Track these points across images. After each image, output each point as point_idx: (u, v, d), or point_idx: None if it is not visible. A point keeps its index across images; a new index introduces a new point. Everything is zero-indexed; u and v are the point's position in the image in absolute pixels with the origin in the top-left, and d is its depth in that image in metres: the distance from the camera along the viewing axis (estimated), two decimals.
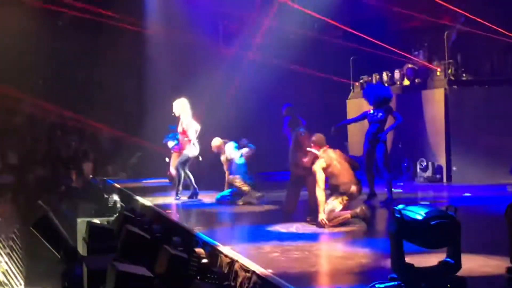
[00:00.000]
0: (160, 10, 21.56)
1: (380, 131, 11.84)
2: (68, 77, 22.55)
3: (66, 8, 22.05)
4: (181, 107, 13.01)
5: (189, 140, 12.91)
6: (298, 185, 10.52)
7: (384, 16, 18.36)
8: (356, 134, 18.77)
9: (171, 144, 14.71)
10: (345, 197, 9.34)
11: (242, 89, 19.43)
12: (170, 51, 20.86)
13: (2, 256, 13.24)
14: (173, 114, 13.14)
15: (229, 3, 20.64)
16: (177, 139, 13.94)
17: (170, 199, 13.04)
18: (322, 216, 9.14)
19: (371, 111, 12.14)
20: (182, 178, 12.89)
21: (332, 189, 9.55)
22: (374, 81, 18.34)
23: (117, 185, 16.12)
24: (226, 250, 7.54)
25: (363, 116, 12.45)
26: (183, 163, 12.89)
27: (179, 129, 13.15)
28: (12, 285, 12.49)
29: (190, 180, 13.02)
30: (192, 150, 12.95)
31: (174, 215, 11.20)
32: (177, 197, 12.78)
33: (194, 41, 20.65)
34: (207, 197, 12.98)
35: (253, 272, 6.54)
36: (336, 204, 9.29)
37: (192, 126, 13.00)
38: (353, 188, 9.39)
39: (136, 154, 20.24)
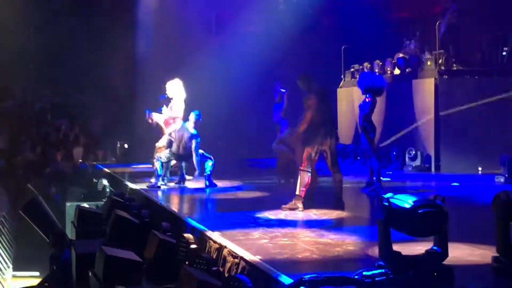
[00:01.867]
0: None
1: (364, 120, 11.89)
2: (59, 61, 22.44)
3: None
4: (176, 88, 12.95)
5: (174, 120, 12.89)
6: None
7: (376, 5, 18.34)
8: (345, 122, 18.84)
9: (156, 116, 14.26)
10: None
11: (233, 77, 19.42)
12: (162, 38, 20.82)
13: None
14: (166, 96, 13.07)
15: None
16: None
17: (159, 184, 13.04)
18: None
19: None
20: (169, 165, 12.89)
21: None
22: (365, 70, 18.34)
23: (107, 170, 16.11)
24: (215, 236, 7.56)
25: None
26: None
27: (168, 109, 13.08)
28: (0, 269, 12.47)
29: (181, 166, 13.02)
30: (172, 129, 12.93)
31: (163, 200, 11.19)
32: (164, 183, 12.74)
33: (186, 27, 20.60)
34: (196, 183, 12.97)
35: (241, 258, 6.56)
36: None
37: (182, 108, 12.98)
38: None
39: (123, 142, 20.18)
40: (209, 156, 12.58)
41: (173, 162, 12.92)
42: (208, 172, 12.50)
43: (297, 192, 9.62)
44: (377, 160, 11.86)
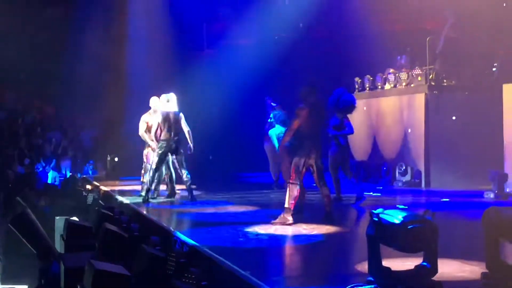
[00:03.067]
0: (143, 9, 21.53)
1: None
2: (50, 73, 22.41)
3: (50, 5, 22.06)
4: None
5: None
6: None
7: (366, 20, 18.41)
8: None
9: None
10: None
11: (224, 90, 19.44)
12: (153, 51, 20.84)
13: None
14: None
15: (214, 4, 20.65)
16: None
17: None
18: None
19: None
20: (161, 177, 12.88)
21: None
22: (356, 86, 18.42)
23: (96, 183, 16.07)
24: (204, 250, 7.55)
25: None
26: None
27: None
28: None
29: (171, 176, 13.01)
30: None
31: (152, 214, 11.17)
32: (153, 196, 12.72)
33: (177, 41, 20.63)
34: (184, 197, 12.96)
35: (231, 272, 6.55)
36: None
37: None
38: None
39: (113, 155, 20.13)
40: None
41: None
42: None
43: (286, 205, 9.62)
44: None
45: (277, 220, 9.61)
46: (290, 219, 9.55)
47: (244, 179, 18.38)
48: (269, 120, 14.38)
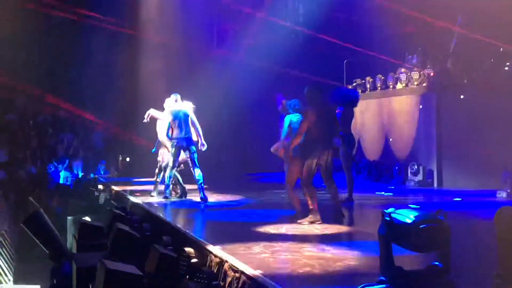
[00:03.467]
0: (154, 12, 21.58)
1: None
2: (61, 76, 22.53)
3: (60, 10, 22.12)
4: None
5: None
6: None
7: (379, 19, 18.38)
8: None
9: None
10: None
11: (235, 90, 19.46)
12: (164, 53, 20.89)
13: None
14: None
15: (224, 4, 20.66)
16: None
17: (160, 198, 13.07)
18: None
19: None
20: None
21: None
22: (368, 85, 18.40)
23: (108, 183, 16.11)
24: (216, 250, 7.54)
25: None
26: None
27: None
28: (0, 281, 12.45)
29: (178, 179, 13.03)
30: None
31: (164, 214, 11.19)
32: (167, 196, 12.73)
33: (188, 42, 20.66)
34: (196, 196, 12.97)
35: (242, 272, 6.54)
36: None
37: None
38: None
39: (125, 156, 20.20)
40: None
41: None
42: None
43: (311, 207, 9.64)
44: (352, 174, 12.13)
45: (306, 219, 9.62)
46: (318, 217, 9.62)
47: (255, 179, 18.38)
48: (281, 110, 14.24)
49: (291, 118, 10.14)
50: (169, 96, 13.12)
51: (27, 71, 21.57)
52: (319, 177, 10.01)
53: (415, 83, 16.42)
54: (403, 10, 17.25)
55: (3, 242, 13.60)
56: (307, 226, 9.44)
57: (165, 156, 13.05)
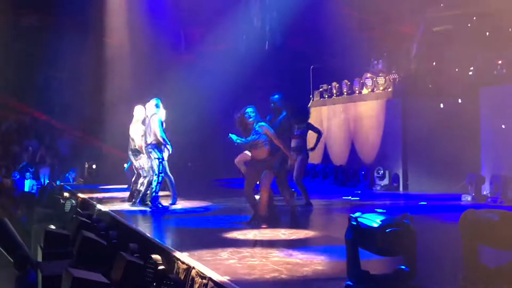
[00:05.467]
0: (121, 17, 21.47)
1: None
2: (26, 81, 22.27)
3: (26, 11, 21.92)
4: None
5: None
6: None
7: (344, 25, 18.48)
8: (314, 142, 18.91)
9: None
10: None
11: (202, 95, 19.39)
12: (131, 58, 20.78)
13: None
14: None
15: (191, 10, 20.63)
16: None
17: (126, 206, 13.00)
18: None
19: None
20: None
21: None
22: (334, 90, 18.49)
23: (74, 191, 15.96)
24: (183, 256, 7.50)
25: None
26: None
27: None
28: None
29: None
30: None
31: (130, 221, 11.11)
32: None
33: (155, 47, 20.58)
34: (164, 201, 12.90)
35: (210, 278, 6.51)
36: None
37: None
38: None
39: (91, 163, 20.02)
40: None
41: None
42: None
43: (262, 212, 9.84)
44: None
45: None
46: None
47: (222, 185, 18.35)
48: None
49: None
50: (138, 102, 13.06)
51: None
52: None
53: (381, 88, 16.54)
54: (367, 16, 17.39)
55: None
56: (273, 232, 9.45)
57: (144, 162, 12.81)
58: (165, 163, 12.42)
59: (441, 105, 15.11)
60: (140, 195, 12.79)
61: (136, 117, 13.18)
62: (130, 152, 13.23)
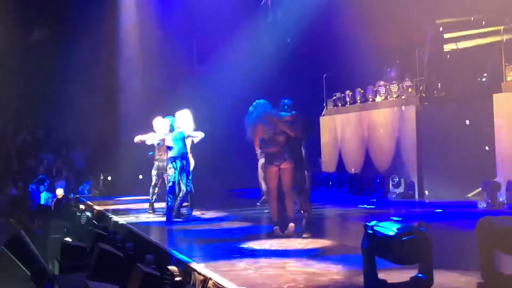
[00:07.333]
0: (133, 27, 21.60)
1: None
2: (40, 93, 22.43)
3: (38, 25, 22.08)
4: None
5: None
6: None
7: (356, 33, 18.49)
8: (328, 150, 18.95)
9: None
10: None
11: (215, 106, 19.44)
12: (144, 70, 20.90)
13: None
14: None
15: (203, 20, 20.70)
16: None
17: (143, 217, 13.04)
18: None
19: None
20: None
21: None
22: (347, 99, 18.50)
23: (90, 203, 16.03)
24: (200, 267, 7.53)
25: None
26: None
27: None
28: None
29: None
30: None
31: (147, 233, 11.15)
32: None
33: (168, 59, 20.67)
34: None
35: None
36: None
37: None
38: None
39: (106, 174, 20.11)
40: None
41: None
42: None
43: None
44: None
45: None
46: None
47: (238, 195, 18.37)
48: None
49: None
50: (151, 114, 13.15)
51: (4, 90, 21.42)
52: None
53: (394, 95, 16.54)
54: (380, 24, 17.37)
55: None
56: (290, 241, 9.44)
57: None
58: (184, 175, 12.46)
59: (455, 111, 15.09)
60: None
61: (159, 128, 13.13)
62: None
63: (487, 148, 14.00)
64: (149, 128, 13.70)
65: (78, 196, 18.27)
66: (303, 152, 10.13)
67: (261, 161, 11.30)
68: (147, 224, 12.18)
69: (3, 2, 20.85)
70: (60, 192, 18.18)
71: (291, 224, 9.85)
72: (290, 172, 9.82)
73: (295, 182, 9.89)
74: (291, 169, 9.81)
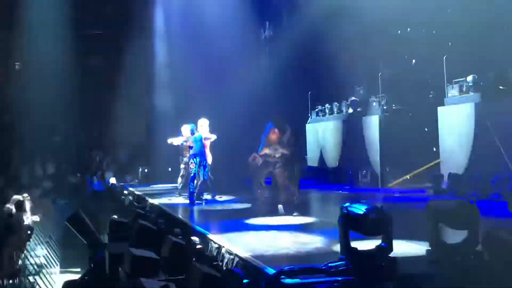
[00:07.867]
0: (166, 61, 21.75)
1: None
2: (93, 107, 22.58)
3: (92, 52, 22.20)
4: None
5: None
6: None
7: (335, 60, 18.20)
8: (312, 149, 18.94)
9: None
10: None
11: (226, 116, 19.22)
12: (173, 87, 21.04)
13: (42, 244, 13.09)
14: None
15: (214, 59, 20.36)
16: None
17: (172, 199, 13.05)
18: None
19: None
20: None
21: None
22: (327, 110, 18.46)
23: (132, 189, 16.05)
24: (215, 237, 7.54)
25: None
26: None
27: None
28: (49, 267, 12.34)
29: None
30: None
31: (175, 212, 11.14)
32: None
33: (188, 85, 20.49)
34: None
35: (236, 254, 6.55)
36: None
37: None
38: None
39: (144, 167, 20.16)
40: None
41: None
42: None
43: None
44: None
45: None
46: None
47: (245, 183, 18.25)
48: None
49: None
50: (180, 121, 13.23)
51: (66, 103, 21.42)
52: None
53: (358, 109, 16.52)
54: (352, 54, 17.11)
55: (51, 236, 13.50)
56: (285, 218, 9.44)
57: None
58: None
59: (409, 120, 15.05)
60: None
61: (185, 133, 13.22)
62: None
63: (434, 149, 13.92)
64: (178, 132, 13.79)
65: (122, 184, 18.26)
66: (296, 154, 10.22)
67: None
68: (175, 205, 12.19)
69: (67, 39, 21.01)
70: (113, 180, 18.23)
71: (280, 206, 9.92)
72: (281, 175, 10.00)
73: (290, 174, 9.97)
74: (282, 173, 9.97)
